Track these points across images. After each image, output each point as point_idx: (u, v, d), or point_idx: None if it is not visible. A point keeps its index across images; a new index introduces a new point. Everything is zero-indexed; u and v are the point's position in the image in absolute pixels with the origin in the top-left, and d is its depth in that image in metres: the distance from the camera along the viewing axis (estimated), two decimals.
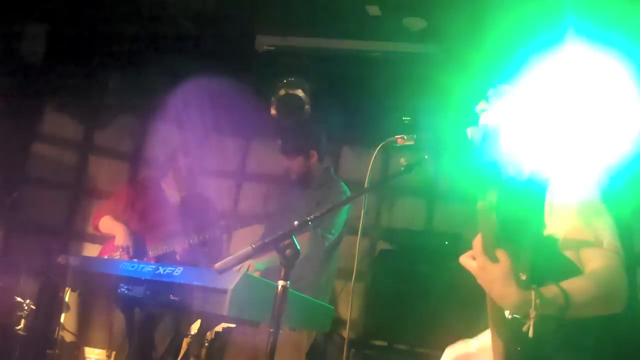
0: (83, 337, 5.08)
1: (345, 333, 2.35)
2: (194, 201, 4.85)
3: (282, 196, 4.52)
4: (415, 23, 4.52)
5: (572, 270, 1.68)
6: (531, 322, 1.55)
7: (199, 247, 4.62)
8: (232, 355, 4.03)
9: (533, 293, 1.54)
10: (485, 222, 1.64)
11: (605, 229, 1.66)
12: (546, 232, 1.75)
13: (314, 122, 5.06)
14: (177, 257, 4.48)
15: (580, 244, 1.67)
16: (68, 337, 4.94)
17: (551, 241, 1.75)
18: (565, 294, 1.56)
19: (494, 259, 1.61)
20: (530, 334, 1.58)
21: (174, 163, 4.78)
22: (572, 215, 1.71)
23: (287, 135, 4.31)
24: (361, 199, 3.04)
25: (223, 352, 4.10)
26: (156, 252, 4.51)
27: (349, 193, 4.20)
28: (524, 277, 1.71)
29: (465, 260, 1.70)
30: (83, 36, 5.09)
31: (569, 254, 1.71)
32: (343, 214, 4.12)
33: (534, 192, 1.86)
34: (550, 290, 1.57)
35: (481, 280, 1.63)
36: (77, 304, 4.80)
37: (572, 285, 1.60)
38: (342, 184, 4.25)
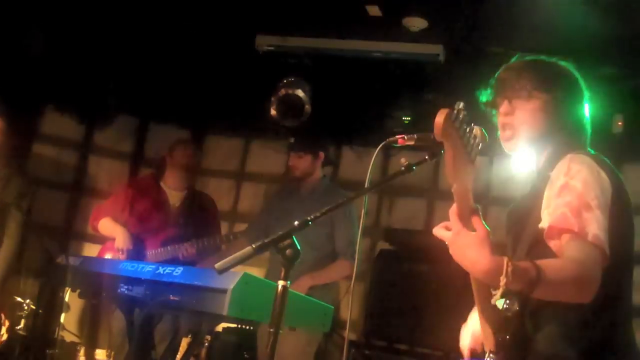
0: (85, 338, 5.08)
1: (346, 333, 2.34)
2: (195, 201, 4.85)
3: (280, 201, 4.55)
4: (415, 23, 4.52)
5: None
6: (499, 291, 1.56)
7: (197, 254, 4.62)
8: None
9: (505, 259, 1.57)
10: (461, 197, 1.66)
11: (592, 223, 1.66)
12: (541, 225, 1.76)
13: (321, 120, 5.11)
14: (180, 256, 4.49)
15: (565, 231, 1.68)
16: (68, 337, 4.94)
17: (542, 233, 1.76)
18: (538, 268, 1.57)
19: (470, 228, 1.64)
20: (493, 301, 1.62)
21: (170, 155, 4.79)
22: (562, 206, 1.71)
23: (301, 132, 4.40)
24: (361, 199, 3.05)
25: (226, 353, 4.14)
26: (155, 258, 4.51)
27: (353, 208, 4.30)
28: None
29: (438, 230, 1.73)
30: (83, 36, 5.09)
31: (552, 243, 1.72)
32: (356, 221, 4.28)
33: (538, 187, 1.89)
34: (523, 263, 1.60)
35: (455, 246, 1.64)
36: (77, 304, 4.81)
37: (546, 263, 1.62)
38: (344, 193, 4.40)
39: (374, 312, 4.96)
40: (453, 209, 1.68)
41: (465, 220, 1.65)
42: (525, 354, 1.74)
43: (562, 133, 1.98)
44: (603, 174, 1.78)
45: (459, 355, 2.20)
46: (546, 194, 1.80)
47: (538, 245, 1.77)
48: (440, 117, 1.56)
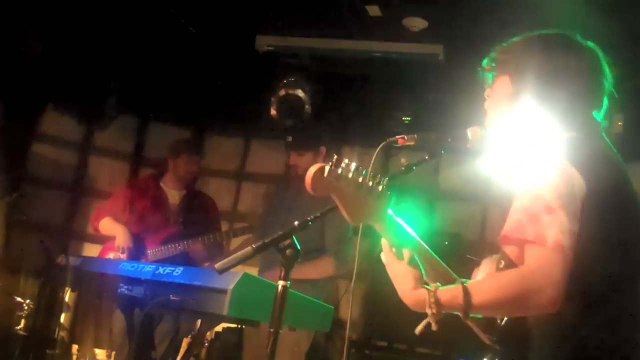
0: (81, 337, 5.08)
1: (346, 333, 2.35)
2: (194, 200, 4.85)
3: (280, 198, 4.49)
4: (415, 23, 4.52)
5: (511, 267, 1.65)
6: (427, 320, 1.60)
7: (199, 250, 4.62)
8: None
9: (427, 291, 1.57)
10: (382, 230, 1.71)
11: (552, 226, 1.55)
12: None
13: (321, 120, 5.09)
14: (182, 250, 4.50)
15: (520, 242, 1.60)
16: (68, 337, 4.94)
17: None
18: (466, 293, 1.55)
19: (401, 257, 1.67)
20: (417, 331, 1.64)
21: (174, 160, 4.78)
22: (518, 212, 1.63)
23: (298, 130, 4.34)
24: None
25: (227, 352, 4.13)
26: (155, 256, 4.51)
27: None
28: (501, 265, 1.71)
29: (382, 255, 1.76)
30: (83, 36, 5.09)
31: (509, 250, 1.66)
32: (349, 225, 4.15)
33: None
34: (451, 290, 1.58)
35: (390, 276, 1.69)
36: (76, 304, 4.81)
37: (477, 285, 1.59)
38: None
39: (374, 312, 4.96)
40: (383, 240, 1.72)
41: (396, 250, 1.71)
42: (522, 350, 1.71)
43: (539, 116, 1.80)
44: (574, 172, 1.62)
45: (459, 355, 2.20)
46: (516, 193, 1.72)
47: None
48: (307, 177, 1.60)
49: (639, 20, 4.01)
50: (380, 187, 1.64)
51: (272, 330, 1.88)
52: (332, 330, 4.74)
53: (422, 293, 1.59)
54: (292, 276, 3.26)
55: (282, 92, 5.08)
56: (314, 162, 4.30)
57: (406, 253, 1.68)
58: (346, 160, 1.61)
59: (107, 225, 4.64)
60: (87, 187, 6.02)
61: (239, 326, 4.39)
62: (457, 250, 4.97)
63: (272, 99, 5.11)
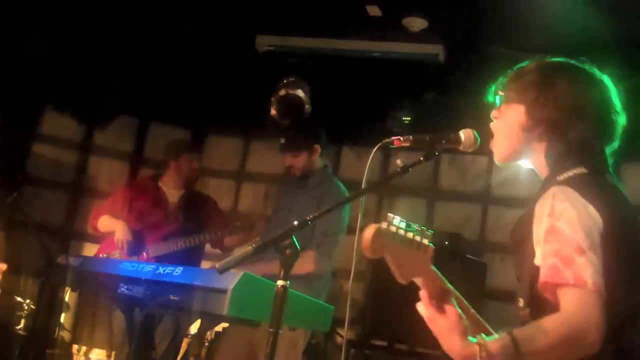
0: (81, 337, 5.08)
1: (344, 333, 2.35)
2: (194, 199, 4.86)
3: (281, 197, 4.50)
4: (415, 23, 4.52)
5: (555, 309, 1.63)
6: None
7: (197, 248, 4.63)
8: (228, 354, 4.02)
9: (477, 347, 1.55)
10: (425, 285, 1.67)
11: (587, 268, 1.57)
12: (535, 261, 1.69)
13: (313, 117, 5.08)
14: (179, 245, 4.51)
15: (561, 286, 1.61)
16: (68, 337, 4.94)
17: (537, 271, 1.69)
18: (515, 343, 1.54)
19: (442, 309, 1.64)
20: None
21: (174, 160, 4.79)
22: (550, 256, 1.63)
23: (291, 132, 4.32)
24: (360, 200, 3.01)
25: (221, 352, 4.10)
26: (155, 252, 4.52)
27: (347, 193, 4.20)
28: (521, 303, 1.73)
29: (419, 307, 1.71)
30: (83, 36, 5.09)
31: (549, 295, 1.65)
32: (345, 219, 4.12)
33: (531, 213, 1.77)
34: (498, 342, 1.56)
35: (432, 330, 1.66)
36: (77, 304, 4.81)
37: (525, 333, 1.58)
38: (340, 184, 4.26)
39: (374, 312, 4.96)
40: (423, 293, 1.68)
41: (438, 301, 1.66)
42: None
43: (548, 152, 1.83)
44: (591, 208, 1.64)
45: None
46: (534, 229, 1.71)
47: (537, 284, 1.69)
48: (365, 241, 1.55)
49: (639, 21, 4.01)
50: (426, 241, 1.62)
51: (272, 330, 1.89)
52: (332, 330, 4.76)
53: (473, 348, 1.56)
54: (273, 271, 3.22)
55: (282, 92, 5.07)
56: (310, 160, 4.31)
57: (449, 308, 1.64)
58: (393, 217, 1.59)
59: (106, 222, 4.65)
60: (87, 187, 6.02)
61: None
62: (457, 250, 4.97)
63: (272, 99, 5.11)
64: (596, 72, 1.89)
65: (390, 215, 1.60)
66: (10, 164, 5.24)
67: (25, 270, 4.80)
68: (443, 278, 1.70)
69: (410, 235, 1.60)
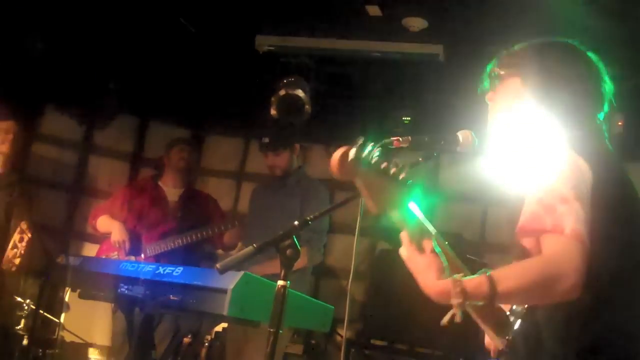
0: (84, 337, 5.08)
1: (343, 333, 2.35)
2: (193, 198, 4.87)
3: (259, 198, 4.53)
4: (415, 23, 4.52)
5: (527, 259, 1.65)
6: (453, 311, 1.57)
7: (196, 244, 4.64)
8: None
9: (452, 281, 1.56)
10: (397, 220, 1.67)
11: (569, 215, 1.57)
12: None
13: (313, 117, 5.10)
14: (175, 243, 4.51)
15: (538, 232, 1.62)
16: (68, 337, 4.94)
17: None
18: (491, 281, 1.55)
19: (421, 249, 1.64)
20: (444, 321, 1.61)
21: (166, 156, 4.82)
22: (533, 204, 1.65)
23: (274, 131, 4.38)
24: (358, 201, 2.99)
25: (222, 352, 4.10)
26: (153, 250, 4.52)
27: (326, 189, 4.31)
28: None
29: (401, 250, 1.72)
30: (83, 36, 5.09)
31: (526, 242, 1.67)
32: (326, 217, 4.18)
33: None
34: (475, 280, 1.57)
35: (410, 270, 1.66)
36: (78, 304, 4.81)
37: (501, 272, 1.58)
38: (316, 181, 4.35)
39: (374, 312, 4.96)
40: (403, 233, 1.69)
41: (417, 241, 1.66)
42: (531, 352, 1.72)
43: (545, 118, 1.86)
44: (582, 162, 1.68)
45: (459, 355, 2.19)
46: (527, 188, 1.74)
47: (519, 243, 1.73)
48: (333, 160, 1.56)
49: (639, 21, 4.01)
50: (402, 175, 1.61)
51: (272, 330, 1.89)
52: (332, 330, 4.76)
53: (447, 283, 1.57)
54: (267, 272, 3.23)
55: (282, 92, 5.07)
56: (291, 159, 4.34)
57: (427, 245, 1.65)
58: (371, 144, 1.57)
59: (104, 223, 4.66)
60: (87, 187, 6.02)
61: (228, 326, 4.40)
62: (457, 251, 4.95)
63: (272, 99, 5.11)
64: (582, 47, 1.99)
65: (370, 143, 1.58)
66: (12, 164, 5.23)
67: (25, 270, 4.80)
68: (424, 217, 1.71)
69: (381, 164, 1.58)
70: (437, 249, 1.65)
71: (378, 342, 4.92)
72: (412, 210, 1.69)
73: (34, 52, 5.01)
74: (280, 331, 1.90)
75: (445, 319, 1.60)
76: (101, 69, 5.50)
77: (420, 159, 2.02)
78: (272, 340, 1.89)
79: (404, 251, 1.70)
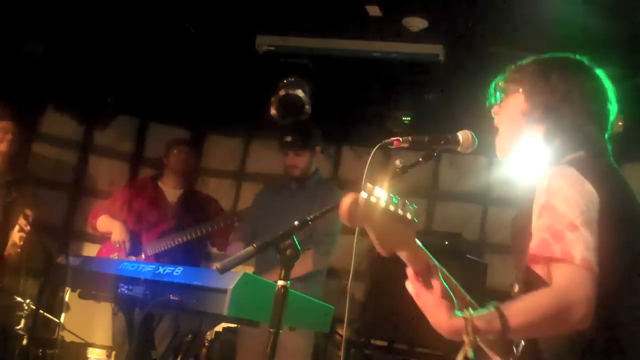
0: (84, 337, 5.08)
1: (343, 333, 2.35)
2: (192, 198, 4.87)
3: (272, 199, 4.42)
4: (415, 23, 4.52)
5: (543, 286, 1.63)
6: (465, 349, 1.56)
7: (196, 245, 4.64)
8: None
9: (464, 320, 1.55)
10: (410, 260, 1.67)
11: (577, 244, 1.57)
12: (531, 245, 1.69)
13: (320, 120, 5.08)
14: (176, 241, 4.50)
15: (547, 260, 1.61)
16: (68, 337, 4.94)
17: None
18: (502, 317, 1.54)
19: (429, 285, 1.63)
20: (461, 357, 1.58)
21: (166, 157, 4.82)
22: (542, 230, 1.63)
23: (297, 130, 4.29)
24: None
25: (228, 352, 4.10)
26: (153, 250, 4.53)
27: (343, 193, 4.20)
28: (516, 289, 1.73)
29: (408, 285, 1.71)
30: (83, 36, 5.09)
31: (537, 268, 1.66)
32: (339, 220, 4.10)
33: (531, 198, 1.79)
34: (485, 316, 1.56)
35: (420, 307, 1.66)
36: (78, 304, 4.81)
37: (513, 307, 1.57)
38: (337, 186, 4.31)
39: (374, 312, 4.96)
40: (409, 270, 1.68)
41: (425, 277, 1.65)
42: None
43: (548, 135, 1.86)
44: (588, 186, 1.66)
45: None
46: (533, 209, 1.72)
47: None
48: (343, 209, 1.56)
49: (639, 20, 4.01)
50: (409, 215, 1.61)
51: (272, 330, 1.89)
52: (332, 330, 4.75)
53: (459, 322, 1.56)
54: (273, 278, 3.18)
55: (282, 92, 5.07)
56: (311, 161, 4.30)
57: (436, 283, 1.64)
58: (377, 189, 1.58)
59: (104, 223, 4.67)
60: (87, 187, 6.02)
61: (239, 326, 4.39)
62: (457, 251, 4.96)
63: (272, 99, 5.11)
64: (590, 65, 1.96)
65: (370, 185, 1.58)
66: (11, 164, 5.23)
67: (25, 270, 4.79)
68: (429, 253, 1.71)
69: (392, 208, 1.58)
70: (446, 286, 1.65)
71: (378, 342, 4.92)
72: (420, 246, 1.69)
73: (34, 52, 5.01)
74: (281, 331, 1.90)
75: (458, 359, 1.59)
76: (101, 69, 5.50)
77: (420, 159, 2.02)
78: (272, 340, 1.89)
79: (412, 288, 1.69)
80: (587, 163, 1.74)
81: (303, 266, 3.95)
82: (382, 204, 1.56)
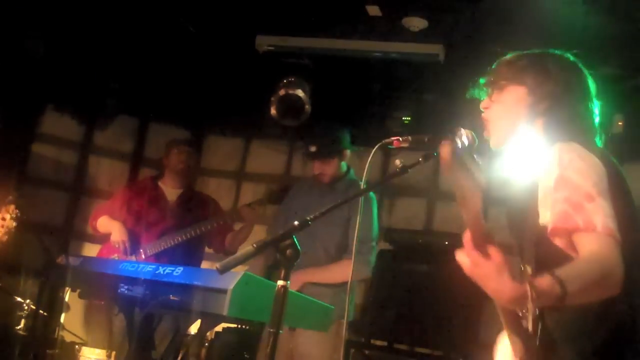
0: (84, 337, 5.08)
1: (343, 333, 2.35)
2: (192, 198, 4.87)
3: (300, 199, 4.30)
4: (415, 23, 4.52)
5: (566, 258, 1.65)
6: (529, 316, 1.57)
7: (196, 245, 4.64)
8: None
9: (528, 286, 1.53)
10: (472, 224, 1.61)
11: (597, 213, 1.62)
12: (540, 221, 1.74)
13: (312, 117, 5.05)
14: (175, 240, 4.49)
15: (570, 231, 1.65)
16: (68, 337, 4.94)
17: (545, 230, 1.73)
18: (561, 283, 1.54)
19: (486, 254, 1.60)
20: (530, 328, 1.59)
21: (166, 157, 4.83)
22: (560, 203, 1.67)
23: (322, 139, 4.16)
24: (358, 200, 2.96)
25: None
26: (152, 250, 4.53)
27: (374, 197, 4.16)
28: (529, 271, 1.71)
29: (459, 256, 1.65)
30: (83, 37, 5.09)
31: (559, 242, 1.69)
32: (376, 222, 4.10)
33: (530, 181, 1.86)
34: (545, 280, 1.55)
35: (475, 277, 1.60)
36: (78, 304, 4.81)
37: (566, 272, 1.57)
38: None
39: (374, 312, 4.95)
40: (467, 236, 1.63)
41: (480, 246, 1.61)
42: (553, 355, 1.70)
43: (548, 126, 1.92)
44: (595, 159, 1.74)
45: (459, 355, 2.19)
46: (540, 186, 1.76)
47: (544, 242, 1.73)
48: (445, 153, 1.54)
49: (639, 20, 4.01)
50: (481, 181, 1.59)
51: (272, 330, 1.89)
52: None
53: (524, 289, 1.52)
54: (313, 279, 3.25)
55: (282, 92, 5.07)
56: (339, 166, 4.17)
57: (494, 251, 1.59)
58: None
59: (104, 223, 4.68)
60: (87, 187, 6.02)
61: (239, 326, 4.39)
62: (457, 250, 4.95)
63: (272, 99, 5.11)
64: (577, 60, 2.06)
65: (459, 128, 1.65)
66: (10, 164, 5.23)
67: (25, 270, 4.80)
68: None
69: (472, 162, 1.59)
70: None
71: (378, 342, 4.91)
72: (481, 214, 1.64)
73: (34, 52, 5.01)
74: (281, 331, 1.90)
75: (530, 325, 1.58)
76: (101, 69, 5.50)
77: (420, 159, 2.03)
78: (272, 340, 1.89)
79: (468, 257, 1.61)
80: (586, 143, 1.83)
81: (345, 273, 3.74)
82: (469, 162, 1.57)
